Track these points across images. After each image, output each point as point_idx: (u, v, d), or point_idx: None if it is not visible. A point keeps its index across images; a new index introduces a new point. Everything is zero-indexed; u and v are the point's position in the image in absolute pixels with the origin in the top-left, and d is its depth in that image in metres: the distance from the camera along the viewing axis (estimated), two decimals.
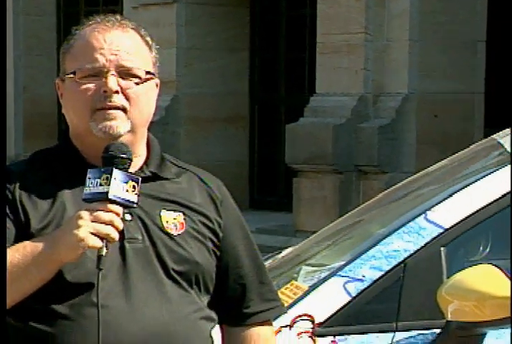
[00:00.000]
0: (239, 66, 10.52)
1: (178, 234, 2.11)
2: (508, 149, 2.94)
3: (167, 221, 2.11)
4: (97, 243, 1.95)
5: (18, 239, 2.03)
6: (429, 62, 8.63)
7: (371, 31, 8.66)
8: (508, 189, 2.66)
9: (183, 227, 2.12)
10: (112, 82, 2.07)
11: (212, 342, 2.15)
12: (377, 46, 8.69)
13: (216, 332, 2.20)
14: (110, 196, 1.97)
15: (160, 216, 2.11)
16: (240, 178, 10.56)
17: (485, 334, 2.52)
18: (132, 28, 2.15)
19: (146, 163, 2.14)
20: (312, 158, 8.82)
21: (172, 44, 10.15)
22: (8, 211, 2.04)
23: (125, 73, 2.09)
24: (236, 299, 2.19)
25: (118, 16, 2.18)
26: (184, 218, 2.12)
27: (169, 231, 2.10)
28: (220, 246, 2.16)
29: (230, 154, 10.50)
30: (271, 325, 2.24)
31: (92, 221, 1.96)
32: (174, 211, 2.12)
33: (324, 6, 8.91)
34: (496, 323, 2.47)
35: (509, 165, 2.74)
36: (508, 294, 2.43)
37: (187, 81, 10.28)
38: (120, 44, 2.10)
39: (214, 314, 2.15)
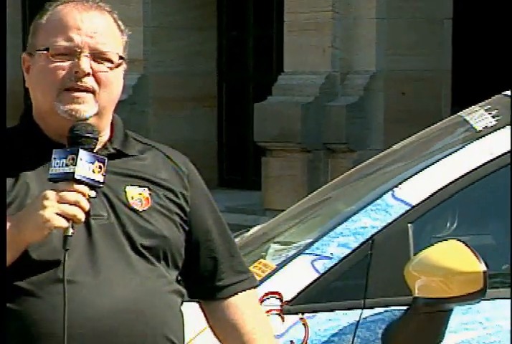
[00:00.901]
0: (206, 45, 10.49)
1: (144, 210, 2.11)
2: (474, 125, 2.95)
3: (132, 197, 2.10)
4: (63, 224, 1.95)
5: None
6: (397, 40, 8.65)
7: (339, 9, 8.66)
8: (473, 166, 2.68)
9: (148, 203, 2.12)
10: (85, 63, 2.05)
11: (182, 316, 2.15)
12: (345, 24, 8.69)
13: (189, 307, 2.20)
14: (77, 176, 1.95)
15: (125, 192, 2.10)
16: (209, 157, 10.56)
17: (452, 310, 2.54)
18: (108, 11, 2.13)
19: (110, 140, 2.14)
20: (280, 137, 8.83)
21: (139, 22, 10.11)
22: None
23: (98, 56, 2.07)
24: (208, 273, 2.20)
25: None
26: (150, 194, 2.12)
27: (135, 206, 2.10)
28: (188, 220, 2.16)
29: (199, 133, 10.49)
30: (248, 290, 2.24)
31: (58, 202, 1.94)
32: (139, 186, 2.11)
33: None
34: (463, 299, 2.48)
35: (475, 142, 2.76)
36: (474, 270, 2.45)
37: (154, 60, 10.25)
38: (97, 26, 2.08)
39: (182, 289, 2.16)
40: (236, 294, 2.22)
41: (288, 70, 9.03)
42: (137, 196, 2.11)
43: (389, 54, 8.64)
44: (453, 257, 2.47)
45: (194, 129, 10.47)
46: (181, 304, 2.16)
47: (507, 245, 3.00)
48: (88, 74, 2.05)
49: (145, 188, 2.12)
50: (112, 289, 2.04)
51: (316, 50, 8.78)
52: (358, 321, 2.57)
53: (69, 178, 1.96)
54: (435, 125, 3.44)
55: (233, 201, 9.59)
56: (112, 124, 2.16)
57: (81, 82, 2.05)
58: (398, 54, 8.65)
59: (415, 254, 2.57)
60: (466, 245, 2.49)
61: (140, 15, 10.15)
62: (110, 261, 2.05)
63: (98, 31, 2.08)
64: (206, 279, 2.20)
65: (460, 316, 2.56)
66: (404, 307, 2.56)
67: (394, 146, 3.48)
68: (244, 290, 2.23)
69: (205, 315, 2.25)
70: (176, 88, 10.34)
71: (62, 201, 1.94)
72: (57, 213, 1.94)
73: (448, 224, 2.88)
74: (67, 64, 2.06)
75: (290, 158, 8.84)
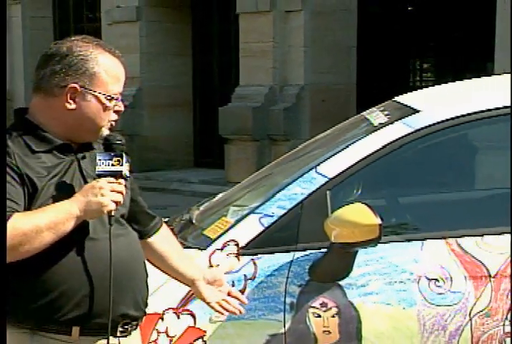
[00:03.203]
0: (184, 66, 10.46)
1: None
2: (372, 122, 2.93)
3: None
4: (114, 207, 1.92)
5: (27, 198, 1.93)
6: (318, 62, 8.67)
7: (278, 41, 8.67)
8: (371, 151, 2.67)
9: None
10: (122, 105, 2.04)
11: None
12: (282, 51, 8.69)
13: None
14: (123, 174, 1.94)
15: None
16: (187, 146, 10.54)
17: (358, 251, 2.54)
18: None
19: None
20: (237, 131, 8.83)
21: (136, 50, 10.08)
22: (18, 179, 1.93)
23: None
24: (142, 223, 2.20)
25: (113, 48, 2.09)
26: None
27: None
28: (129, 190, 2.13)
29: (180, 128, 10.45)
30: (162, 229, 2.27)
31: (111, 191, 1.90)
32: None
33: (244, 23, 8.91)
34: (365, 243, 2.48)
35: (373, 133, 2.75)
36: (372, 223, 2.44)
37: (148, 77, 10.22)
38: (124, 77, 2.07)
39: None
40: (157, 231, 2.23)
41: (243, 84, 9.03)
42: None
43: (313, 72, 8.67)
44: (358, 214, 2.46)
45: (176, 126, 10.44)
46: None
47: (408, 207, 3.01)
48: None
49: None
50: (120, 241, 2.01)
51: (262, 69, 8.78)
52: (292, 260, 2.56)
53: (118, 175, 1.93)
54: (345, 122, 3.42)
55: (205, 176, 9.59)
56: None
57: (118, 116, 2.05)
58: (319, 72, 8.68)
59: (332, 213, 2.55)
60: (367, 205, 2.49)
61: (138, 45, 10.11)
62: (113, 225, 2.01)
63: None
64: (141, 226, 2.20)
65: (362, 255, 2.55)
66: (324, 250, 2.55)
67: (316, 137, 3.46)
68: (160, 228, 2.26)
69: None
70: (163, 97, 10.31)
71: (113, 191, 1.91)
72: (111, 200, 1.91)
73: (355, 191, 2.87)
74: (112, 104, 2.02)
75: (244, 145, 8.84)
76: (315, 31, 8.60)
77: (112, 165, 1.93)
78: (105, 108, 2.01)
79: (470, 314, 2.51)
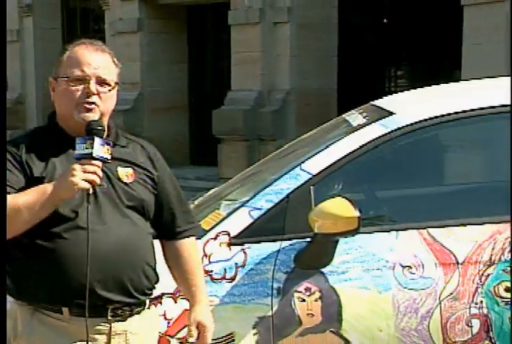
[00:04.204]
0: (181, 72, 10.45)
1: (130, 182, 2.07)
2: (352, 123, 2.93)
3: (122, 174, 2.06)
4: (86, 186, 1.90)
5: (27, 184, 1.96)
6: (303, 69, 8.68)
7: (266, 50, 8.67)
8: (351, 149, 2.66)
9: (133, 177, 2.08)
10: (93, 87, 2.00)
11: (153, 248, 2.12)
12: (269, 60, 8.70)
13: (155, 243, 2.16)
14: (94, 155, 1.91)
15: (117, 171, 2.06)
16: (184, 145, 10.53)
17: (338, 240, 2.53)
18: (108, 52, 2.08)
19: (108, 135, 2.08)
20: (230, 131, 8.83)
21: (138, 58, 10.07)
22: (19, 167, 1.97)
23: (101, 82, 2.01)
24: (169, 223, 2.16)
25: (100, 42, 2.10)
26: (133, 172, 2.08)
27: (124, 180, 2.06)
28: (157, 188, 2.12)
29: (177, 130, 10.44)
30: (194, 237, 2.22)
31: (83, 172, 1.90)
32: (126, 167, 2.07)
33: (236, 33, 8.90)
34: (344, 234, 2.48)
35: (352, 133, 2.74)
36: (351, 215, 2.44)
37: (148, 82, 10.20)
38: (100, 62, 2.02)
39: (153, 231, 2.12)
40: (188, 237, 2.18)
41: (235, 88, 9.02)
42: (125, 173, 2.06)
43: (298, 78, 8.67)
44: (339, 207, 2.46)
45: (174, 127, 10.43)
46: (153, 240, 2.12)
47: (384, 201, 3.00)
48: (94, 94, 2.00)
49: (130, 168, 2.07)
50: (114, 232, 1.99)
51: (252, 76, 8.78)
52: (279, 249, 2.56)
53: (89, 157, 1.91)
54: (327, 123, 3.42)
55: (200, 173, 9.58)
56: (109, 125, 2.10)
57: (90, 99, 2.00)
58: (304, 78, 8.69)
59: (315, 206, 2.55)
60: (347, 199, 2.48)
61: (139, 54, 10.09)
62: (110, 214, 2.00)
63: (101, 65, 2.02)
64: (168, 226, 2.15)
65: (343, 245, 2.56)
66: (308, 240, 2.55)
67: (301, 137, 3.46)
68: (193, 235, 2.20)
69: (163, 251, 2.20)
70: (162, 101, 10.30)
71: (85, 171, 1.90)
72: (83, 179, 1.89)
73: (335, 186, 2.87)
74: (81, 87, 2.00)
75: (236, 145, 8.84)
76: (300, 41, 8.60)
77: (86, 148, 1.92)
78: (65, 89, 1.99)
79: (439, 297, 2.52)
